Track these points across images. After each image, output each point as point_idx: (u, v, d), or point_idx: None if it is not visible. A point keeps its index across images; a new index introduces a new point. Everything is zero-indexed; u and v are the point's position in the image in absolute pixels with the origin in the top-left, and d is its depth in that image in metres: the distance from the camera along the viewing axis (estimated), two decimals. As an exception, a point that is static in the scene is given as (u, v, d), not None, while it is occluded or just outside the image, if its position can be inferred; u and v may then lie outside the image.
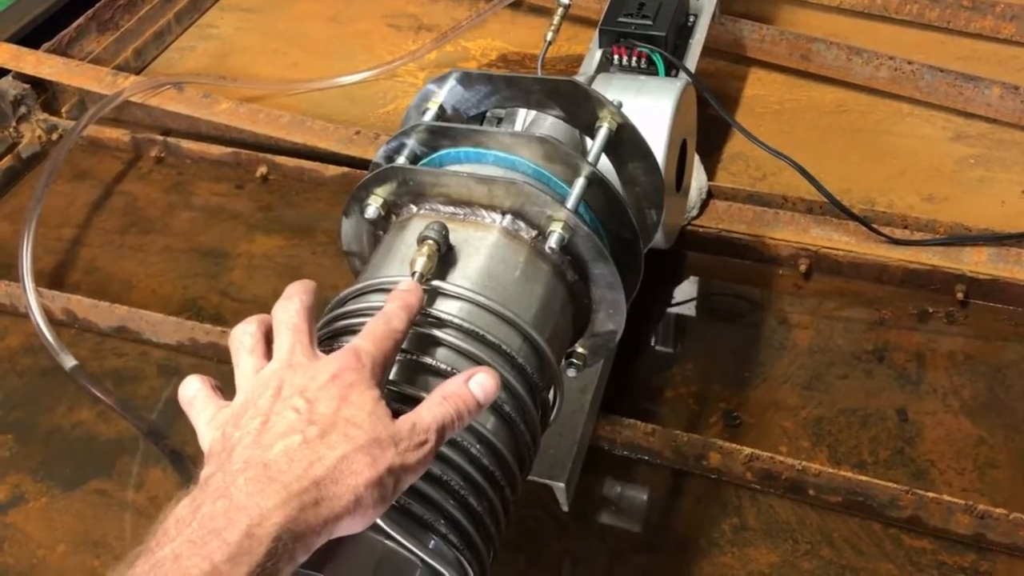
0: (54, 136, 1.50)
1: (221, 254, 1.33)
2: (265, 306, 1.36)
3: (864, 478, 0.95)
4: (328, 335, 0.71)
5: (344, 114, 1.47)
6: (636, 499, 1.02)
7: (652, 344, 1.16)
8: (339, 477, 0.55)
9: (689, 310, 1.21)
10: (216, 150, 1.44)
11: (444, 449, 0.63)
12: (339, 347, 0.62)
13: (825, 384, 1.09)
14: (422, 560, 0.59)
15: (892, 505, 0.95)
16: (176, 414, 1.11)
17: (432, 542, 0.60)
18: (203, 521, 0.52)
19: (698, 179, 1.22)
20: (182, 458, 1.05)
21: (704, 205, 1.24)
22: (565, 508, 0.94)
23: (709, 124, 1.21)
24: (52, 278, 1.29)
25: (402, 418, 0.59)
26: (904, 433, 1.04)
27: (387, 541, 0.59)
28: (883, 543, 0.95)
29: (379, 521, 0.57)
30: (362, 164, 1.35)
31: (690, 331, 1.18)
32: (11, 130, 1.50)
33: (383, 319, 0.64)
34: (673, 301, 1.20)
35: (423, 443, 0.58)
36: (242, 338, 0.64)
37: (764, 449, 0.99)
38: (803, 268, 1.19)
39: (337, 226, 0.83)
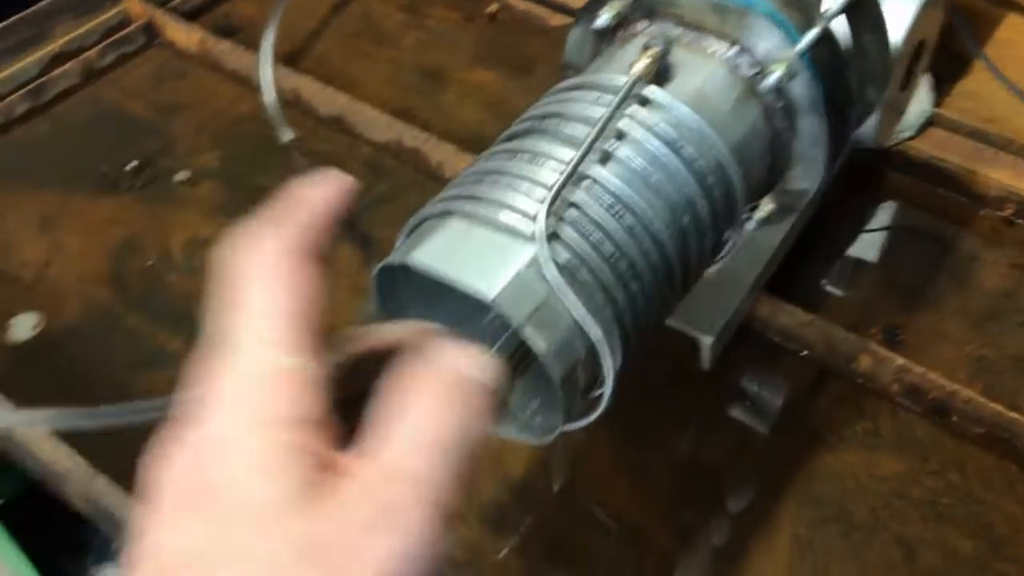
0: (313, -61, 1.59)
1: (440, 77, 1.39)
2: (469, 133, 1.40)
3: (1015, 415, 0.93)
4: (510, 136, 0.73)
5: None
6: (775, 384, 1.03)
7: (830, 247, 1.15)
8: None
9: (879, 225, 1.18)
10: (454, -21, 1.50)
11: (622, 235, 0.66)
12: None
13: (999, 327, 1.06)
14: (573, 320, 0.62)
15: (1037, 451, 0.93)
16: (369, 205, 1.21)
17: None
18: None
19: (923, 101, 1.18)
20: (369, 241, 1.13)
21: (922, 130, 1.20)
22: (706, 366, 0.97)
23: (945, 58, 1.17)
24: (285, 61, 1.39)
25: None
26: (1071, 394, 1.00)
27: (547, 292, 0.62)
28: (1016, 486, 0.93)
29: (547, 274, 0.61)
30: (589, 21, 1.37)
31: (874, 245, 1.16)
32: (277, -75, 1.60)
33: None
34: (865, 214, 1.19)
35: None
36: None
37: (918, 369, 0.98)
38: (1008, 213, 1.15)
39: (550, 73, 0.87)
